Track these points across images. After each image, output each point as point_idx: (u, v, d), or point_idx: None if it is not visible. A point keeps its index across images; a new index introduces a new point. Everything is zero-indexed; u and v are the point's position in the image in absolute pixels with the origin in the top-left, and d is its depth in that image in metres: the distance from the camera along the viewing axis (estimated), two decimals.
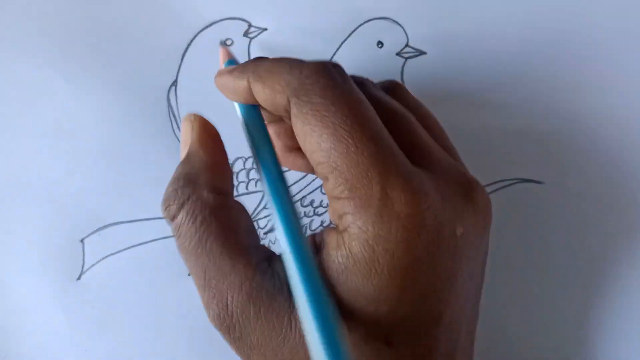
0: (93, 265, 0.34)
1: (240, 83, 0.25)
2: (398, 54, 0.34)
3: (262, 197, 0.34)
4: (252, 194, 0.34)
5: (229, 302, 0.22)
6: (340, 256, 0.21)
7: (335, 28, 0.34)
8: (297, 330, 0.22)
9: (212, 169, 0.24)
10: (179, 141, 0.34)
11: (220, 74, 0.27)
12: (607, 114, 0.33)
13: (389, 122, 0.23)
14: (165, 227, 0.34)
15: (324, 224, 0.34)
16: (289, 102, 0.22)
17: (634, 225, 0.34)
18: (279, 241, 0.22)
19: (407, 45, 0.34)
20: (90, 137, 0.34)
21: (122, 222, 0.34)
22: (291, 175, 0.34)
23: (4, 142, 0.34)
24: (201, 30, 0.34)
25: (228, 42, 0.34)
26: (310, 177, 0.34)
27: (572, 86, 0.33)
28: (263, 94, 0.23)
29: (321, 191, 0.34)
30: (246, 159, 0.34)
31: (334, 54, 0.34)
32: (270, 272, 0.23)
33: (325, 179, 0.22)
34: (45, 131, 0.34)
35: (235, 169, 0.34)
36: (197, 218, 0.23)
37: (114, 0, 0.34)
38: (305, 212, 0.34)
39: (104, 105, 0.34)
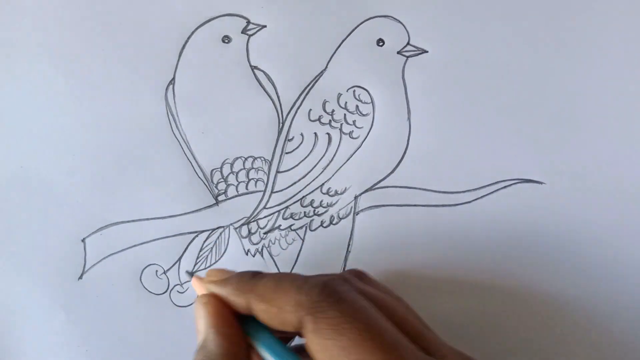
0: (94, 265, 0.34)
1: (237, 300, 0.25)
2: (399, 52, 0.33)
3: (262, 196, 0.34)
4: (252, 193, 0.34)
5: None
6: None
7: (336, 25, 0.33)
8: None
9: (228, 358, 0.25)
10: (178, 140, 0.34)
11: (211, 284, 0.27)
12: (607, 114, 0.33)
13: (387, 316, 0.24)
14: (166, 227, 0.34)
15: (324, 224, 0.34)
16: (300, 320, 0.23)
17: (634, 225, 0.34)
18: None
19: (408, 43, 0.33)
20: (90, 137, 0.34)
21: (123, 222, 0.34)
22: (291, 175, 0.34)
23: (4, 142, 0.34)
24: (198, 27, 0.34)
25: (226, 40, 0.34)
26: (310, 177, 0.34)
27: (573, 86, 0.33)
28: (268, 313, 0.24)
29: (321, 191, 0.34)
30: (245, 159, 0.34)
31: (334, 52, 0.33)
32: None
33: None
34: (45, 131, 0.34)
35: (235, 168, 0.34)
36: None
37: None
38: (305, 212, 0.34)
39: (103, 105, 0.34)
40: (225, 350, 0.25)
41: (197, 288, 0.28)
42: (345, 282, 0.25)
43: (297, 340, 0.29)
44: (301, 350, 0.25)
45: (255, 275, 0.26)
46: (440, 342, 0.26)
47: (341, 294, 0.24)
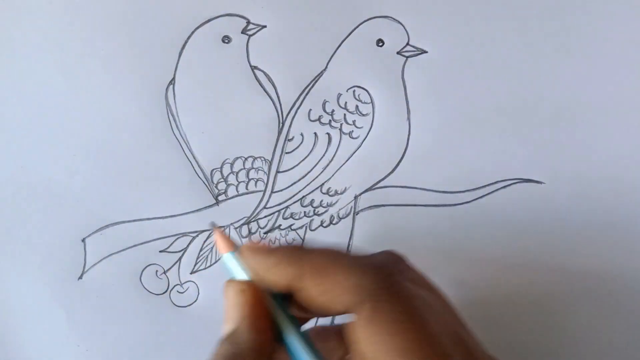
0: (94, 264, 0.34)
1: (283, 272, 0.23)
2: (399, 52, 0.33)
3: (262, 196, 0.34)
4: (252, 193, 0.34)
5: None
6: None
7: (336, 25, 0.33)
8: None
9: (259, 353, 0.23)
10: (178, 140, 0.34)
11: (254, 251, 0.25)
12: (607, 114, 0.33)
13: (433, 317, 0.23)
14: (166, 227, 0.34)
15: (324, 224, 0.34)
16: (357, 303, 0.21)
17: (634, 225, 0.34)
18: None
19: (408, 43, 0.33)
20: (90, 137, 0.34)
21: (123, 222, 0.34)
22: (291, 175, 0.34)
23: (4, 142, 0.34)
24: (198, 27, 0.34)
25: (226, 40, 0.34)
26: (310, 177, 0.34)
27: (573, 86, 0.33)
28: (320, 288, 0.22)
29: (321, 191, 0.34)
30: (245, 159, 0.34)
31: (334, 52, 0.33)
32: None
33: None
34: (45, 131, 0.34)
35: (235, 168, 0.34)
36: None
37: None
38: (305, 212, 0.34)
39: (104, 105, 0.34)
40: (257, 345, 0.23)
41: (220, 246, 0.26)
42: (402, 272, 0.24)
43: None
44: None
45: (304, 247, 0.24)
46: (481, 350, 0.24)
47: (403, 288, 0.22)
